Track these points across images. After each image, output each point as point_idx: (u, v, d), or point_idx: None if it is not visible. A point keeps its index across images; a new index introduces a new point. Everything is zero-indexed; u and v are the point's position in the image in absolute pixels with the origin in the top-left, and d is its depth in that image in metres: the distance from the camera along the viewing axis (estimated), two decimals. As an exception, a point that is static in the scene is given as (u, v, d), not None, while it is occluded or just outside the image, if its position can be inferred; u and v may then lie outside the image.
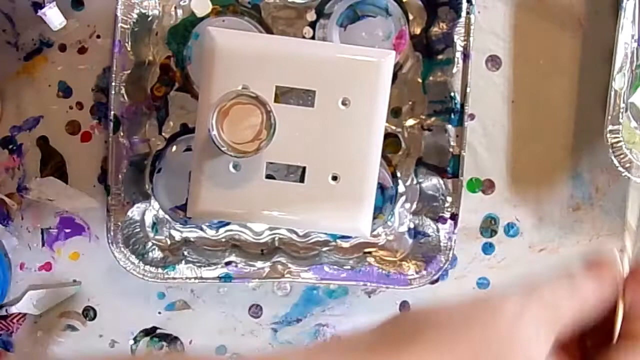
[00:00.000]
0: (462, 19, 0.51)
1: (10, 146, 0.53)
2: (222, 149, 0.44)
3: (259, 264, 0.53)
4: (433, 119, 0.54)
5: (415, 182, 0.56)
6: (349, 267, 0.54)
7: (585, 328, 0.31)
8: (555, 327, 0.29)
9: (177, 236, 0.55)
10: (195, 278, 0.53)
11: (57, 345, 0.55)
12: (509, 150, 0.56)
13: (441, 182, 0.53)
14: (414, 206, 0.56)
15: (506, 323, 0.28)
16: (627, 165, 0.52)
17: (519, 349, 0.28)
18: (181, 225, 0.55)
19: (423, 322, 0.30)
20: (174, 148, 0.53)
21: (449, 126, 0.52)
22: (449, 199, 0.53)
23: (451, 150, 0.52)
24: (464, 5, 0.51)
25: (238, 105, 0.44)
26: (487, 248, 0.57)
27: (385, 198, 0.54)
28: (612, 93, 0.51)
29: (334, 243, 0.56)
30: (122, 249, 0.52)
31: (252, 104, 0.45)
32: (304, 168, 0.49)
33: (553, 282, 0.30)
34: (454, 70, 0.52)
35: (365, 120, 0.49)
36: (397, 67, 0.53)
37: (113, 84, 0.50)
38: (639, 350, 0.29)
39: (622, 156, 0.51)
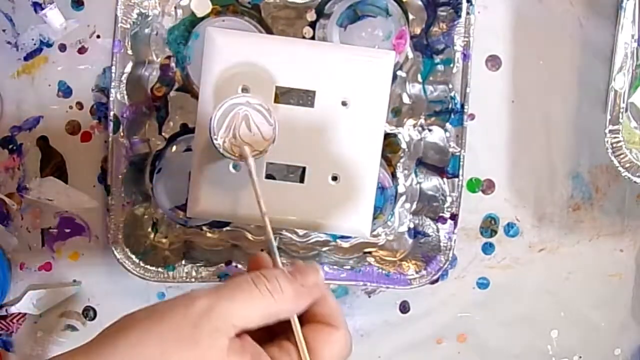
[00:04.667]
0: (462, 19, 0.51)
1: (10, 146, 0.53)
2: (223, 153, 0.44)
3: (259, 264, 0.53)
4: (433, 119, 0.54)
5: (415, 182, 0.56)
6: (349, 267, 0.54)
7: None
8: (240, 323, 0.32)
9: (177, 236, 0.55)
10: (195, 278, 0.53)
11: (57, 345, 0.55)
12: (509, 150, 0.56)
13: (441, 182, 0.53)
14: (414, 206, 0.56)
15: (194, 316, 0.32)
16: (627, 165, 0.52)
17: (200, 340, 0.31)
18: (181, 225, 0.55)
19: (126, 320, 0.33)
20: (174, 148, 0.53)
21: (449, 126, 0.52)
22: (449, 199, 0.53)
23: (451, 150, 0.52)
24: (464, 5, 0.51)
25: (238, 110, 0.44)
26: (487, 248, 0.57)
27: (385, 198, 0.54)
28: (612, 93, 0.51)
29: (333, 243, 0.56)
30: (122, 249, 0.52)
31: (254, 109, 0.45)
32: (304, 168, 0.49)
33: (246, 282, 0.34)
34: (454, 70, 0.52)
35: (365, 120, 0.49)
36: (397, 67, 0.53)
37: (113, 84, 0.50)
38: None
39: (622, 156, 0.51)
